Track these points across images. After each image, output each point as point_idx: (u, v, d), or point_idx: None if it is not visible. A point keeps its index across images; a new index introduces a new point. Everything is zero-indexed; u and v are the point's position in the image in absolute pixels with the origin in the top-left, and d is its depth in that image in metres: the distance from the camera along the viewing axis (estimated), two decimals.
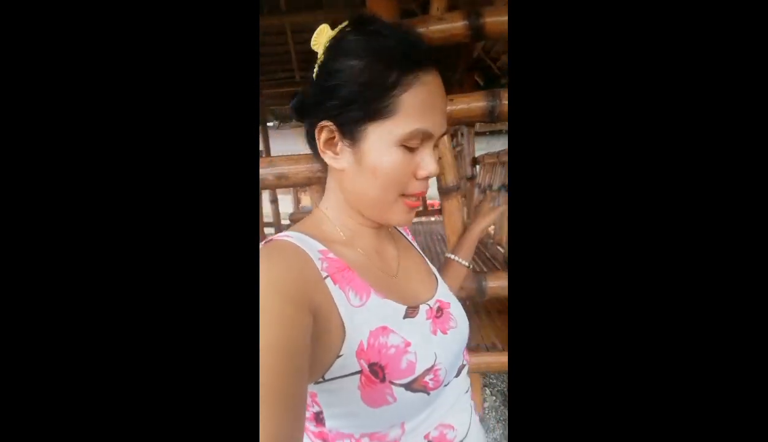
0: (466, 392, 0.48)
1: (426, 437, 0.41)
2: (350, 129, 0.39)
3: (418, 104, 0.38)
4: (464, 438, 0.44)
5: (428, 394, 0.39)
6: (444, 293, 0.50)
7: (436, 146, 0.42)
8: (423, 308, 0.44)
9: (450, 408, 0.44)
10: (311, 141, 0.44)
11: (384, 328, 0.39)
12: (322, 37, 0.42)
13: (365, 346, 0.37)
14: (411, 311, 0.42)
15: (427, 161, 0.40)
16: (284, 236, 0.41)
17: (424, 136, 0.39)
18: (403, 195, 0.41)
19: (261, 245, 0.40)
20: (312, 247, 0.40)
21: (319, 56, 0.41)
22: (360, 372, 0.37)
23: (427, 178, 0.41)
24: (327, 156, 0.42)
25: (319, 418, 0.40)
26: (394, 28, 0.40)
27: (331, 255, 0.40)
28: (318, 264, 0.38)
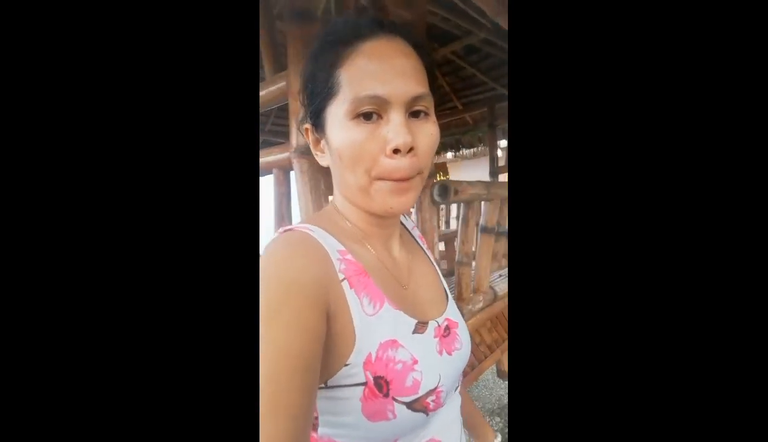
0: (458, 407, 0.48)
1: None
2: (317, 122, 0.41)
3: (360, 73, 0.37)
4: None
5: (427, 414, 0.39)
6: (453, 312, 0.49)
7: (418, 116, 0.39)
8: (432, 324, 0.43)
9: (442, 424, 0.43)
10: None
11: (393, 341, 0.38)
12: None
13: (373, 358, 0.36)
14: (420, 327, 0.41)
15: (391, 131, 0.37)
16: (305, 228, 0.40)
17: (378, 104, 0.36)
18: (380, 178, 0.38)
19: (278, 232, 0.40)
20: (332, 245, 0.39)
21: None
22: (365, 384, 0.36)
23: (397, 151, 0.37)
24: (318, 157, 0.44)
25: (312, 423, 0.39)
26: (347, 16, 0.41)
27: (349, 257, 0.40)
28: (336, 265, 0.38)
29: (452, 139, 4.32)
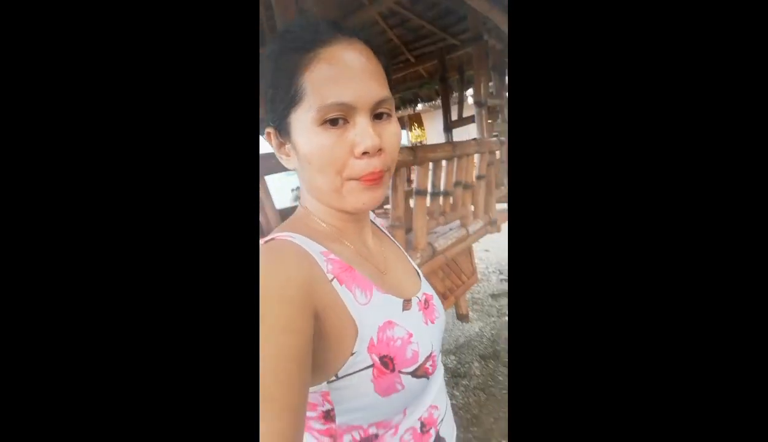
0: (442, 373, 0.54)
1: (419, 419, 0.45)
2: (282, 127, 0.42)
3: (323, 80, 0.38)
4: (444, 416, 0.50)
5: (428, 379, 0.43)
6: (426, 286, 0.54)
7: (381, 118, 0.41)
8: (414, 300, 0.48)
9: (437, 390, 0.48)
10: None
11: (389, 322, 0.41)
12: None
13: (375, 341, 0.40)
14: (406, 304, 0.46)
15: (359, 135, 0.39)
16: (287, 235, 0.41)
17: (344, 110, 0.38)
18: (351, 179, 0.40)
19: (261, 243, 0.42)
20: (314, 249, 0.41)
21: None
22: (372, 366, 0.39)
23: (365, 154, 0.39)
24: (283, 160, 0.45)
25: (328, 416, 0.41)
26: (303, 20, 0.41)
27: (332, 256, 0.42)
28: (323, 266, 0.40)
29: (410, 93, 4.24)
